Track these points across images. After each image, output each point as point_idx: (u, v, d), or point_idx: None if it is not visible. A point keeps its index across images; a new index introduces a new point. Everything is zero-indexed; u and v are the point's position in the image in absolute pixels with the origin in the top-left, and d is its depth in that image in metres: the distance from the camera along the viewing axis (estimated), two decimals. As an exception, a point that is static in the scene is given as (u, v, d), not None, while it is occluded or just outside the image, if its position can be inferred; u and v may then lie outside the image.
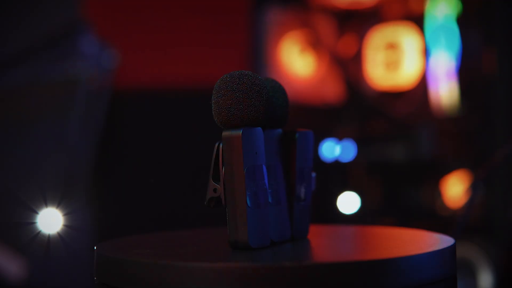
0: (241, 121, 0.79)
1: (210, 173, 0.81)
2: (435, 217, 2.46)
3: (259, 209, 0.80)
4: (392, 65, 2.62)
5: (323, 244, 0.87)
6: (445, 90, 2.46)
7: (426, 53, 2.53)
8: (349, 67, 2.69)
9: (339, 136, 2.55)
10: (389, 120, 2.58)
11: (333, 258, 0.77)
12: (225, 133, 0.79)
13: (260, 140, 0.81)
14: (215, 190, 0.80)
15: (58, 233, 1.70)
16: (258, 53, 2.69)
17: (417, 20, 2.55)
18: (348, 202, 2.40)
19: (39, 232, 1.69)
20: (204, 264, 0.71)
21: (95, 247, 0.84)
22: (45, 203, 1.71)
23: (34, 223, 1.68)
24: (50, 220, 1.68)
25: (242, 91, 0.79)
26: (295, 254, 0.81)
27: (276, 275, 0.69)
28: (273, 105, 0.85)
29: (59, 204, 1.75)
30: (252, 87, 0.79)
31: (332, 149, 2.56)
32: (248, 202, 0.78)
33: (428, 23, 2.51)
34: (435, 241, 0.85)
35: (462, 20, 2.44)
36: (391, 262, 0.73)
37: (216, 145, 0.80)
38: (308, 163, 0.89)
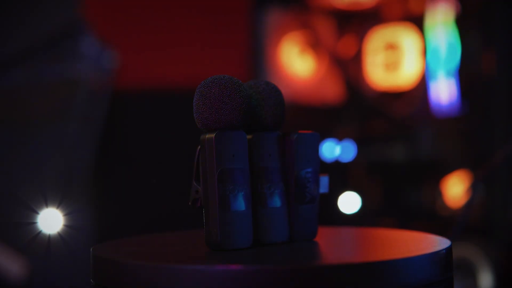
0: (217, 124, 0.81)
1: (193, 175, 0.83)
2: (435, 217, 2.46)
3: (234, 211, 0.81)
4: (392, 65, 2.62)
5: (318, 246, 0.87)
6: (444, 89, 2.46)
7: (425, 53, 2.53)
8: (349, 67, 2.69)
9: (339, 136, 2.55)
10: (389, 120, 2.58)
11: (316, 261, 0.78)
12: (201, 137, 0.81)
13: (240, 143, 0.82)
14: (197, 191, 0.82)
15: (59, 233, 1.71)
16: (258, 54, 2.69)
17: (417, 20, 2.55)
18: (349, 202, 2.41)
19: (40, 232, 1.69)
20: (179, 267, 0.73)
21: (91, 249, 0.84)
22: (46, 203, 1.71)
23: (34, 223, 1.69)
24: (51, 220, 1.69)
25: (216, 95, 0.81)
26: (268, 256, 0.81)
27: (206, 277, 0.71)
28: (263, 107, 0.85)
29: (59, 204, 1.75)
30: (225, 91, 0.81)
31: (332, 149, 2.56)
32: (220, 204, 0.80)
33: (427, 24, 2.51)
34: (431, 243, 0.85)
35: (462, 21, 2.44)
36: (385, 264, 0.73)
37: (198, 147, 0.82)
38: (311, 164, 0.89)
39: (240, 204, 0.81)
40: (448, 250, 0.80)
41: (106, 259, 0.79)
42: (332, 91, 2.73)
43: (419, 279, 0.75)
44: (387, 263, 0.73)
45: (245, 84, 0.86)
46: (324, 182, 0.90)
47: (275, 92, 0.87)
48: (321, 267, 0.72)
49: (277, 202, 0.86)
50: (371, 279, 0.72)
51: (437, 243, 0.84)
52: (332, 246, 0.90)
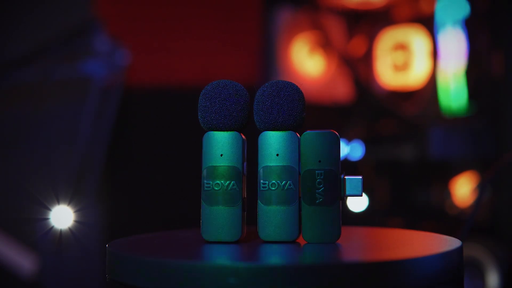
0: (211, 125, 0.87)
1: None
2: (443, 217, 2.47)
3: (216, 206, 0.87)
4: (402, 66, 2.63)
5: (321, 247, 0.86)
6: (452, 70, 2.45)
7: (435, 53, 2.54)
8: (358, 67, 2.70)
9: (349, 136, 2.56)
10: (398, 120, 2.58)
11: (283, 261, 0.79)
12: None
13: (231, 143, 0.87)
14: None
15: (70, 229, 1.73)
16: (269, 54, 2.70)
17: (426, 21, 2.56)
18: (357, 201, 2.42)
19: (52, 227, 1.72)
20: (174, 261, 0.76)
21: (107, 245, 0.86)
22: (57, 200, 1.73)
23: (46, 219, 1.71)
24: (62, 216, 1.71)
25: (212, 98, 0.87)
26: (249, 252, 0.83)
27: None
28: (273, 107, 0.87)
29: (70, 201, 1.77)
30: (220, 95, 0.87)
31: (342, 148, 2.57)
32: (203, 199, 0.87)
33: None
34: (443, 243, 0.86)
35: (470, 22, 2.44)
36: (398, 264, 0.74)
37: None
38: (325, 164, 0.86)
39: (222, 200, 0.87)
40: (460, 250, 0.82)
41: (122, 255, 0.81)
42: (342, 90, 2.74)
43: (431, 279, 0.76)
44: (400, 262, 0.74)
45: (265, 84, 0.88)
46: (353, 183, 0.86)
47: (286, 91, 0.88)
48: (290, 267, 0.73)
49: (281, 201, 0.86)
50: (381, 279, 0.73)
51: (449, 243, 0.85)
52: (341, 245, 0.90)
